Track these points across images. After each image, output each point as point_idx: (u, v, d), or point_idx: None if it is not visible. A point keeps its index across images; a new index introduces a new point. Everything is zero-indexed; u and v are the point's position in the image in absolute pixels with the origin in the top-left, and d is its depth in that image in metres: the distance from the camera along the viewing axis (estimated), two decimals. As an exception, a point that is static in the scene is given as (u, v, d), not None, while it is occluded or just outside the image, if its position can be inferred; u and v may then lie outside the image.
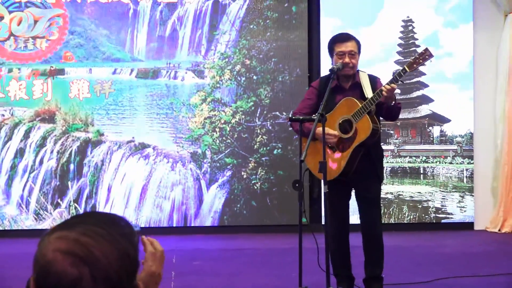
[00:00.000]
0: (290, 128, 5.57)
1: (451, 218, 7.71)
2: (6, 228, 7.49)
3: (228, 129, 7.58)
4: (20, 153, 7.51)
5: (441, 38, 7.70)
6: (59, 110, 7.52)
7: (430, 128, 7.78)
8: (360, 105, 4.34)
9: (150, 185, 7.56)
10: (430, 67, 7.52)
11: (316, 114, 4.07)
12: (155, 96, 7.61)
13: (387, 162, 7.63)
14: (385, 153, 7.13)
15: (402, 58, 7.53)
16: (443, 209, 7.71)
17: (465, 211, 7.72)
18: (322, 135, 4.06)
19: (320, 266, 4.14)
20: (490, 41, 7.68)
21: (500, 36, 7.61)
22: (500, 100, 7.57)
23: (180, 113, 7.58)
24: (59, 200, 7.50)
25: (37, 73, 7.51)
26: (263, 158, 7.59)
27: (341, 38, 4.54)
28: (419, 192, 7.72)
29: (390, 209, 7.65)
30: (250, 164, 7.59)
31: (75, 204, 7.50)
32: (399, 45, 7.70)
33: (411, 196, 7.71)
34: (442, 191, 7.74)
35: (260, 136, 7.59)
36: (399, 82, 4.35)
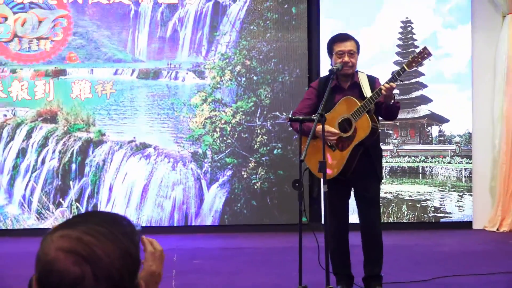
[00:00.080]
0: (290, 128, 5.58)
1: (450, 217, 7.71)
2: (9, 227, 7.49)
3: (228, 129, 7.58)
4: (22, 153, 7.52)
5: (439, 38, 7.70)
6: (61, 110, 7.53)
7: (429, 128, 7.78)
8: (360, 104, 4.34)
9: (151, 184, 7.56)
10: (428, 68, 7.53)
11: (316, 114, 4.08)
12: (156, 96, 7.61)
13: (386, 162, 7.64)
14: (384, 153, 7.13)
15: (401, 59, 7.53)
16: (441, 209, 7.71)
17: (463, 211, 7.72)
18: (322, 135, 4.06)
19: (321, 265, 4.13)
20: (488, 41, 7.68)
21: (498, 36, 7.62)
22: (498, 100, 7.58)
23: (181, 113, 7.58)
24: (61, 200, 7.51)
25: (41, 74, 7.51)
26: (263, 158, 7.59)
27: (340, 38, 4.55)
28: (418, 192, 7.73)
29: (389, 209, 7.65)
30: (250, 164, 7.59)
31: (77, 204, 7.50)
32: (398, 46, 7.70)
33: (410, 196, 7.71)
34: (441, 191, 7.74)
35: (260, 136, 7.60)
36: (398, 81, 4.35)
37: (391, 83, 4.26)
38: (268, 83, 7.60)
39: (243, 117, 7.59)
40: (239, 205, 7.60)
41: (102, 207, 7.50)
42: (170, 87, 7.62)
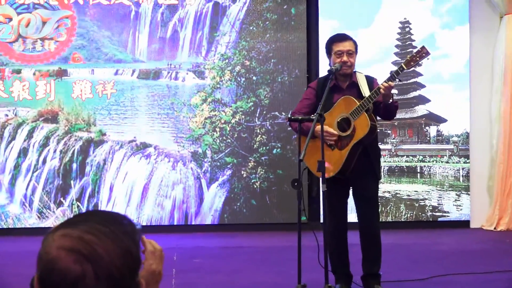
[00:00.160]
0: (289, 128, 5.58)
1: (448, 216, 7.72)
2: (10, 227, 7.49)
3: (228, 129, 7.58)
4: (23, 152, 7.52)
5: (437, 39, 7.71)
6: (62, 110, 7.53)
7: (427, 128, 7.78)
8: (358, 103, 4.34)
9: (151, 184, 7.56)
10: (426, 68, 7.53)
11: (315, 114, 4.08)
12: (156, 96, 7.61)
13: (385, 161, 7.64)
14: (382, 153, 7.14)
15: (400, 59, 7.53)
16: (439, 208, 7.71)
17: (461, 210, 7.72)
18: (321, 134, 4.07)
19: (320, 263, 4.14)
20: (486, 42, 7.68)
21: (496, 37, 7.62)
22: (496, 101, 7.58)
23: (181, 113, 7.58)
24: (62, 199, 7.51)
25: (45, 74, 7.52)
26: (263, 158, 7.59)
27: (339, 38, 4.55)
28: (416, 191, 7.73)
29: (388, 208, 7.66)
30: (249, 164, 7.59)
31: (78, 203, 7.50)
32: (397, 46, 7.70)
33: (408, 195, 7.72)
34: (439, 190, 7.74)
35: (259, 135, 7.60)
36: (397, 80, 4.35)
37: (390, 82, 4.26)
38: (268, 83, 7.61)
39: (243, 117, 7.59)
40: (238, 204, 7.60)
41: (102, 206, 7.50)
42: (170, 87, 7.62)
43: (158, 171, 7.56)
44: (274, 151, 7.60)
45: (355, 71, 4.56)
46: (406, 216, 7.68)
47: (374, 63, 7.45)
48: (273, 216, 7.60)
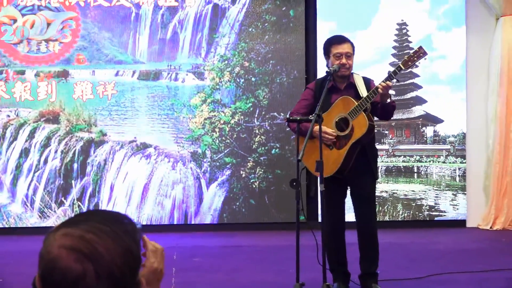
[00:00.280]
0: (288, 129, 5.58)
1: (444, 215, 7.72)
2: (12, 226, 7.49)
3: (227, 129, 7.58)
4: (25, 152, 7.52)
5: (434, 41, 7.71)
6: (63, 111, 7.53)
7: (424, 128, 7.78)
8: (356, 103, 4.35)
9: (151, 183, 7.56)
10: (423, 69, 7.54)
11: (313, 114, 4.09)
12: (156, 97, 7.61)
13: (382, 161, 7.64)
14: (380, 153, 7.13)
15: (397, 61, 7.53)
16: (436, 207, 7.72)
17: (457, 209, 7.72)
18: (319, 135, 4.07)
19: (319, 262, 4.14)
20: (482, 43, 7.68)
21: (492, 39, 7.62)
22: (492, 101, 7.58)
23: (180, 114, 7.58)
24: (63, 199, 7.51)
25: (49, 75, 7.52)
26: (262, 158, 7.59)
27: (337, 40, 4.55)
28: (413, 191, 7.73)
29: (385, 207, 7.66)
30: (248, 164, 7.59)
31: (79, 203, 7.50)
32: (394, 47, 7.70)
33: (405, 195, 7.72)
34: (436, 190, 7.75)
35: (258, 136, 7.60)
36: (394, 80, 4.35)
37: (388, 82, 4.26)
38: (266, 84, 7.61)
39: (242, 117, 7.59)
40: (237, 204, 7.60)
41: (103, 206, 7.49)
42: (170, 88, 7.62)
43: (158, 171, 7.56)
44: (273, 151, 7.60)
45: (352, 73, 4.56)
46: (403, 215, 7.68)
47: (371, 64, 7.45)
48: (272, 215, 7.60)
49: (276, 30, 7.62)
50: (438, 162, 7.76)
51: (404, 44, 7.69)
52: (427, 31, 7.73)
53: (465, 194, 7.72)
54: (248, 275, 5.30)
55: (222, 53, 7.61)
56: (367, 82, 4.55)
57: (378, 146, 4.90)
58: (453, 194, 7.74)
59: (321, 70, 6.94)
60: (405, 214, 7.68)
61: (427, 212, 7.70)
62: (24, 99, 7.51)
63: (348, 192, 4.64)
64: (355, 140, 4.38)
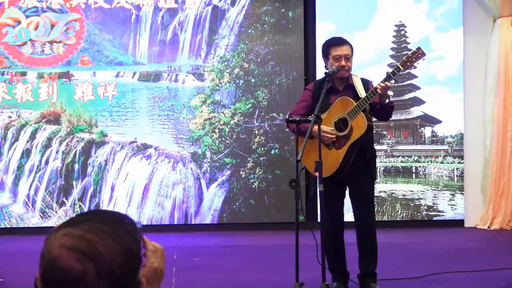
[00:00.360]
0: (287, 129, 5.58)
1: (442, 215, 7.72)
2: (13, 226, 7.49)
3: (227, 130, 7.58)
4: (26, 153, 7.51)
5: (432, 42, 7.71)
6: (64, 112, 7.53)
7: (422, 129, 7.78)
8: (355, 104, 4.35)
9: (152, 184, 7.56)
10: (421, 70, 7.54)
11: (312, 115, 4.09)
12: (156, 98, 7.61)
13: (381, 161, 7.64)
14: (378, 153, 7.14)
15: (395, 62, 7.53)
16: (434, 207, 7.72)
17: (455, 209, 7.72)
18: (318, 136, 4.07)
19: (319, 261, 4.14)
20: (479, 45, 7.69)
21: (489, 40, 7.63)
22: (489, 102, 7.59)
23: (181, 115, 7.58)
24: (64, 199, 7.50)
25: (54, 77, 7.51)
26: (261, 158, 7.59)
27: (337, 42, 4.54)
28: (411, 191, 7.73)
29: (384, 207, 7.66)
30: (248, 164, 7.59)
31: (80, 203, 7.50)
32: (392, 49, 7.71)
33: (404, 195, 7.72)
34: (434, 190, 7.74)
35: (258, 136, 7.60)
36: (393, 81, 4.35)
37: (386, 82, 4.26)
38: (266, 85, 7.61)
39: (242, 118, 7.59)
40: (237, 204, 7.60)
41: (104, 206, 7.49)
42: (170, 89, 7.62)
43: (158, 171, 7.56)
44: (272, 152, 7.60)
45: (351, 74, 4.56)
46: (401, 215, 7.68)
47: (370, 66, 7.45)
48: (272, 215, 7.60)
49: (275, 31, 7.62)
50: (436, 162, 7.76)
51: (402, 45, 7.69)
52: (425, 32, 7.73)
53: (463, 194, 7.72)
54: (248, 274, 5.30)
55: (222, 54, 7.61)
56: (366, 83, 4.56)
57: (376, 147, 4.90)
58: (451, 194, 7.74)
59: (320, 71, 6.95)
60: (404, 214, 7.68)
61: (426, 212, 7.70)
62: (25, 100, 7.51)
63: (347, 192, 4.64)
64: (354, 140, 4.38)
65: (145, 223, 7.46)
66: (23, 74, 7.51)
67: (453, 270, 5.17)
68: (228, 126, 7.58)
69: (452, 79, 7.73)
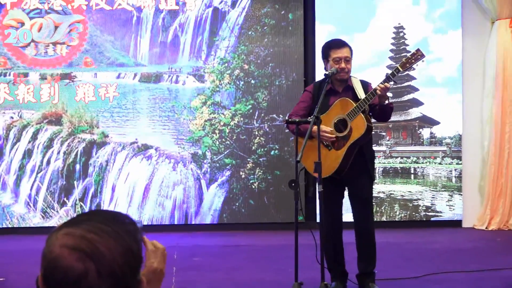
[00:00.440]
0: (287, 130, 5.59)
1: (441, 216, 7.72)
2: (15, 226, 7.49)
3: (227, 131, 7.58)
4: (28, 154, 7.52)
5: (431, 44, 7.71)
6: (65, 112, 7.53)
7: (421, 130, 7.79)
8: (355, 105, 4.35)
9: (152, 184, 7.56)
10: (420, 72, 7.54)
11: (312, 116, 4.10)
12: (157, 99, 7.61)
13: (379, 162, 7.64)
14: (377, 154, 7.14)
15: (394, 63, 7.53)
16: (432, 208, 7.72)
17: (453, 210, 7.72)
18: (317, 136, 4.07)
19: (318, 261, 4.14)
20: (477, 46, 7.69)
21: (487, 42, 7.63)
22: (487, 104, 7.59)
23: (181, 116, 7.58)
24: (65, 199, 7.50)
25: (57, 78, 7.52)
26: (261, 159, 7.59)
27: (337, 44, 4.54)
28: (410, 191, 7.73)
29: (382, 208, 7.66)
30: (248, 165, 7.59)
31: (81, 203, 7.50)
32: (391, 50, 7.71)
33: (402, 195, 7.72)
34: (432, 190, 7.74)
35: (257, 137, 7.60)
36: (392, 82, 4.35)
37: (386, 84, 4.26)
38: (266, 87, 7.61)
39: (241, 119, 7.59)
40: (237, 204, 7.60)
41: (105, 206, 7.49)
42: (171, 90, 7.62)
43: (159, 172, 7.56)
44: (272, 153, 7.60)
45: (350, 76, 4.56)
46: (400, 216, 7.68)
47: (369, 67, 7.46)
48: (271, 215, 7.60)
49: (275, 33, 7.62)
50: (435, 163, 7.76)
51: (401, 47, 7.70)
52: (423, 34, 7.73)
53: (461, 194, 7.72)
54: (247, 274, 5.30)
55: (222, 56, 7.62)
56: (365, 85, 4.56)
57: (375, 148, 4.91)
58: (449, 195, 7.74)
59: (320, 73, 6.95)
60: (402, 215, 7.68)
61: (424, 213, 7.70)
62: (27, 101, 7.51)
63: (346, 192, 4.64)
64: (354, 141, 4.38)
65: (145, 223, 7.46)
66: (27, 75, 7.52)
67: (451, 270, 5.17)
68: (228, 127, 7.58)
69: (450, 81, 7.74)
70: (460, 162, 7.74)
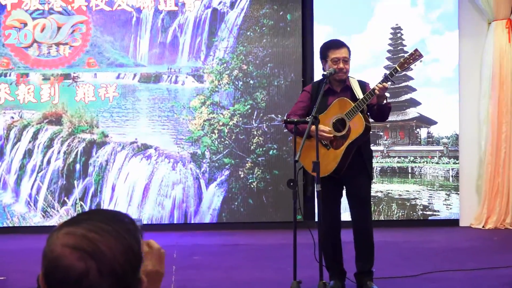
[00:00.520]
0: (285, 130, 5.58)
1: (438, 215, 7.72)
2: (16, 225, 7.48)
3: (226, 130, 7.58)
4: (28, 153, 7.51)
5: (428, 44, 7.71)
6: (65, 113, 7.52)
7: (418, 129, 7.79)
8: (353, 104, 4.35)
9: (152, 184, 7.55)
10: (417, 72, 7.54)
11: (310, 116, 4.10)
12: (157, 99, 7.61)
13: (377, 162, 7.64)
14: (375, 154, 7.14)
15: (392, 64, 7.53)
16: (430, 207, 7.72)
17: (451, 209, 7.73)
18: (316, 136, 4.07)
19: (316, 260, 4.14)
20: (474, 47, 7.69)
21: (484, 42, 7.63)
22: (484, 104, 7.59)
23: (180, 116, 7.58)
24: (65, 198, 7.50)
25: (61, 79, 7.51)
26: (259, 159, 7.59)
27: (335, 45, 4.54)
28: (407, 191, 7.73)
29: (380, 207, 7.66)
30: (247, 164, 7.59)
31: (81, 202, 7.49)
32: (389, 51, 7.71)
33: (400, 194, 7.72)
34: (429, 190, 7.75)
35: (256, 137, 7.60)
36: (390, 82, 4.35)
37: (384, 83, 4.26)
38: (264, 87, 7.61)
39: (240, 119, 7.59)
40: (236, 203, 7.60)
41: (105, 206, 7.49)
42: (170, 90, 7.62)
43: (158, 171, 7.55)
44: (271, 152, 7.60)
45: (348, 76, 4.56)
46: (397, 215, 7.68)
47: (366, 68, 7.45)
48: (270, 215, 7.60)
49: (274, 34, 7.62)
50: (432, 162, 7.76)
51: (398, 48, 7.70)
52: (421, 35, 7.73)
53: (458, 194, 7.73)
54: (246, 272, 5.30)
55: (221, 56, 7.61)
56: (363, 85, 4.56)
57: (373, 147, 4.91)
58: (446, 194, 7.74)
59: (318, 73, 6.94)
60: (400, 214, 7.68)
61: (421, 212, 7.70)
62: (27, 101, 7.50)
63: (344, 192, 4.64)
64: (352, 140, 4.39)
65: (145, 222, 7.45)
66: (29, 76, 7.50)
67: (448, 269, 5.17)
68: (227, 127, 7.58)
69: (447, 81, 7.74)
70: (457, 162, 7.75)
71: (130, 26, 7.61)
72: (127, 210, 7.42)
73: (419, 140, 7.79)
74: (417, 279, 4.90)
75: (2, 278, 5.02)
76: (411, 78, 7.69)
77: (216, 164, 7.59)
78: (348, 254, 4.64)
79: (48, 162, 7.51)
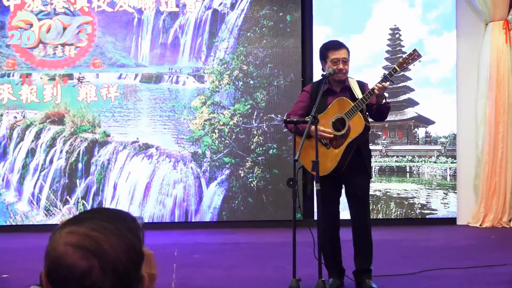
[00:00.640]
0: (285, 129, 5.58)
1: (435, 214, 7.72)
2: (18, 224, 7.48)
3: (226, 130, 7.58)
4: (31, 153, 7.51)
5: (426, 45, 7.71)
6: (68, 112, 7.52)
7: (416, 129, 7.79)
8: (353, 104, 4.35)
9: (153, 183, 7.55)
10: (415, 73, 7.54)
11: (310, 116, 4.10)
12: (158, 99, 7.61)
13: (376, 161, 7.65)
14: (373, 153, 7.14)
15: (390, 64, 7.53)
16: (428, 206, 7.72)
17: (448, 207, 7.73)
18: (315, 136, 4.08)
19: (316, 257, 4.14)
20: (472, 48, 7.69)
21: (481, 43, 7.63)
22: (481, 104, 7.59)
23: (181, 116, 7.58)
24: (68, 197, 7.50)
25: (66, 79, 7.51)
26: (259, 158, 7.59)
27: (334, 45, 4.54)
28: (406, 190, 7.74)
29: (378, 205, 7.66)
30: (247, 163, 7.59)
31: (83, 201, 7.49)
32: (387, 52, 7.71)
33: (398, 193, 7.72)
34: (427, 189, 7.75)
35: (256, 137, 7.60)
36: (388, 82, 4.35)
37: (383, 83, 4.26)
38: (264, 87, 7.61)
39: (241, 119, 7.59)
40: (236, 202, 7.60)
41: (106, 204, 7.49)
42: (171, 90, 7.62)
43: (159, 170, 7.56)
44: (270, 152, 7.60)
45: (347, 77, 4.56)
46: (396, 213, 7.68)
47: (365, 68, 7.45)
48: (270, 213, 7.60)
49: (274, 34, 7.62)
50: (430, 162, 7.77)
51: (397, 48, 7.70)
52: (419, 35, 7.73)
53: (455, 193, 7.73)
54: (246, 271, 5.30)
55: (222, 57, 7.61)
56: (362, 85, 4.56)
57: (371, 147, 4.91)
58: (444, 193, 7.74)
59: (317, 73, 6.94)
60: (398, 212, 7.69)
61: (419, 210, 7.70)
62: (30, 101, 7.50)
63: (343, 191, 4.64)
64: (352, 140, 4.39)
65: (146, 221, 7.45)
66: (35, 76, 7.49)
67: (446, 267, 5.17)
68: (228, 127, 7.58)
69: (445, 81, 7.74)
70: (454, 161, 7.75)
71: (131, 27, 7.61)
72: (128, 208, 7.42)
73: (417, 139, 7.79)
74: (415, 277, 4.90)
75: (4, 276, 5.02)
76: (409, 79, 7.69)
77: (217, 163, 7.59)
78: (347, 252, 4.64)
79: (51, 161, 7.51)
